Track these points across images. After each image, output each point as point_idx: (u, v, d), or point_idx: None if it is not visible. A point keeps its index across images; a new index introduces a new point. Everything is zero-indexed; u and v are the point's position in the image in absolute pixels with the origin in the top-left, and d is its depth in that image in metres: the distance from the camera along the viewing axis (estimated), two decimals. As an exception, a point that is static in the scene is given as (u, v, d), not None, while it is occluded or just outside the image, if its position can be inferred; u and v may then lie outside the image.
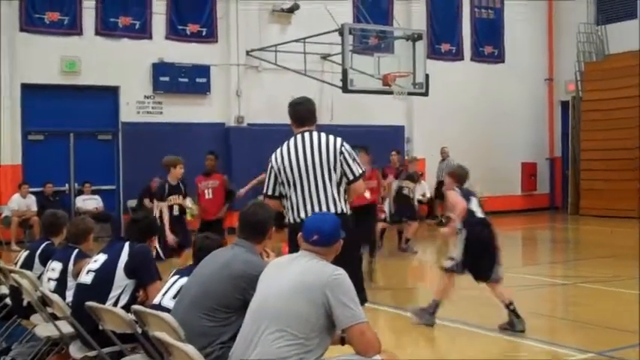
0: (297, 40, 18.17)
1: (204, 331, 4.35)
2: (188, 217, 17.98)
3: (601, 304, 9.52)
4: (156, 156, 17.72)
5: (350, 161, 6.16)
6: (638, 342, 7.51)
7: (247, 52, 19.14)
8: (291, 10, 19.42)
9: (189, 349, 3.85)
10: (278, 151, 6.23)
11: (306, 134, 6.18)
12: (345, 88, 16.17)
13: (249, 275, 4.42)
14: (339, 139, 6.20)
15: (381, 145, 19.41)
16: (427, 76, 17.21)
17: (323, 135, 6.18)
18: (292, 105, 6.37)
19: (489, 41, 23.89)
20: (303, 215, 6.03)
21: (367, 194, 10.80)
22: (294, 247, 6.01)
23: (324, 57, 19.38)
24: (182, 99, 18.58)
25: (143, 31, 18.30)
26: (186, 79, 18.48)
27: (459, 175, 8.35)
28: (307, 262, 4.12)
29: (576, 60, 23.57)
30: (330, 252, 4.22)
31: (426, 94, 17.47)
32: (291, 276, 4.04)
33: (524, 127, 24.49)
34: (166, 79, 18.29)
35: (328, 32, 16.98)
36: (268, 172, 6.23)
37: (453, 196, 8.17)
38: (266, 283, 4.17)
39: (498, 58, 24.07)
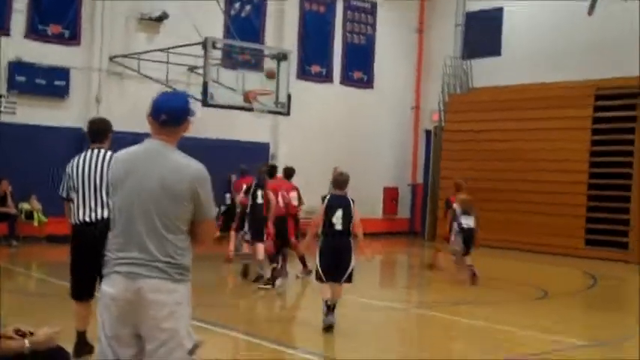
0: (162, 50, 17.94)
1: None
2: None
3: (421, 330, 9.79)
4: (7, 157, 17.23)
5: None
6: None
7: (111, 58, 18.76)
8: (160, 19, 19.19)
9: None
10: (74, 160, 7.06)
11: (96, 150, 7.02)
12: (205, 102, 16.07)
13: None
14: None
15: (246, 160, 19.49)
16: (289, 96, 17.31)
17: (109, 153, 6.87)
18: (89, 122, 7.46)
19: (359, 67, 24.36)
20: (81, 219, 6.87)
21: None
22: (76, 246, 6.90)
23: (191, 69, 19.23)
24: (38, 101, 18.00)
25: (1, 27, 17.63)
26: (44, 81, 17.92)
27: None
28: (167, 156, 4.10)
29: (441, 91, 24.33)
30: (178, 132, 4.18)
31: (287, 113, 17.58)
32: (156, 175, 4.03)
33: (389, 153, 25.05)
34: (23, 79, 17.69)
35: (192, 44, 16.86)
36: (65, 177, 7.08)
37: None
38: (130, 183, 4.08)
39: (367, 83, 24.56)
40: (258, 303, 11.90)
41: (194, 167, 4.12)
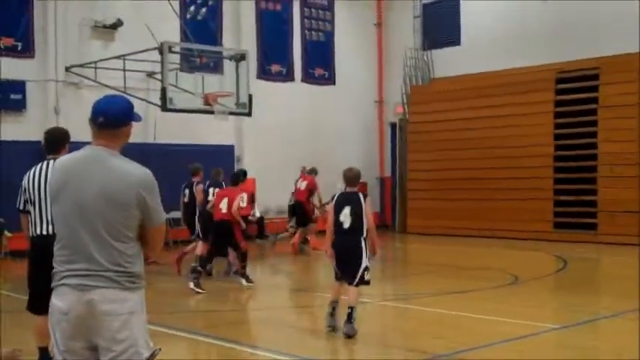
0: (117, 57, 17.70)
1: None
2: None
3: (395, 324, 9.68)
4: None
5: None
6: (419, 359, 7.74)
7: (67, 69, 18.47)
8: (115, 26, 18.91)
9: None
10: (30, 171, 6.80)
11: (52, 161, 6.65)
12: (164, 107, 15.89)
13: None
14: None
15: (211, 164, 19.29)
16: (250, 96, 17.19)
17: None
18: (45, 133, 7.14)
19: (320, 63, 24.27)
20: (38, 232, 6.67)
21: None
22: (34, 259, 6.65)
23: (150, 75, 19.00)
24: (-5, 115, 17.70)
25: (-49, 43, 17.30)
26: None
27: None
28: (109, 162, 3.90)
29: (403, 83, 24.32)
30: (118, 137, 3.99)
31: (249, 114, 17.45)
32: (97, 182, 3.85)
33: (355, 148, 24.95)
34: (-22, 94, 17.39)
35: (149, 50, 16.65)
36: (21, 189, 6.86)
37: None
38: (71, 192, 3.88)
39: (329, 80, 24.49)
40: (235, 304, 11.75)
41: (139, 173, 3.94)
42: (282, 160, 21.83)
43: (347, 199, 8.73)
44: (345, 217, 8.62)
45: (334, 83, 24.57)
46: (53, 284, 3.98)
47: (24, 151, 17.80)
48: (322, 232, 15.42)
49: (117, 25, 18.95)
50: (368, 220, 8.68)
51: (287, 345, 8.64)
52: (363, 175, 24.37)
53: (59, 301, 3.91)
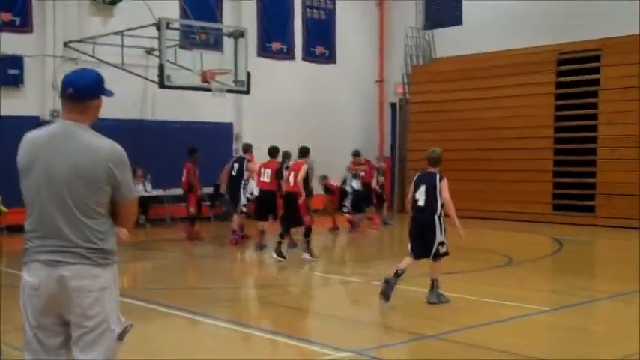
0: (116, 33, 17.63)
1: None
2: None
3: (377, 301, 9.64)
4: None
5: None
6: (406, 339, 7.76)
7: (65, 44, 18.39)
8: (114, 2, 18.82)
9: None
10: None
11: None
12: (161, 84, 15.84)
13: None
14: None
15: (209, 141, 19.33)
16: (248, 74, 17.12)
17: None
18: None
19: (321, 42, 24.15)
20: None
21: None
22: None
23: (149, 51, 18.94)
24: (-7, 90, 17.65)
25: (-51, 18, 17.24)
26: (-4, 70, 17.59)
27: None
28: (78, 137, 3.85)
29: (404, 63, 24.20)
30: (87, 110, 3.94)
31: (247, 92, 17.38)
32: (67, 158, 3.82)
33: (355, 127, 24.91)
34: (-25, 69, 17.34)
35: (147, 26, 16.58)
36: None
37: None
38: (41, 168, 3.85)
39: (330, 58, 24.38)
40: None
41: (108, 147, 3.90)
42: (281, 138, 21.68)
43: (424, 178, 9.34)
44: (420, 195, 9.23)
45: (335, 62, 24.47)
46: (25, 259, 3.96)
47: (22, 127, 17.68)
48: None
49: (116, 0, 18.85)
50: (443, 198, 9.12)
51: (277, 323, 8.67)
52: (364, 154, 24.60)
53: (30, 276, 3.89)
